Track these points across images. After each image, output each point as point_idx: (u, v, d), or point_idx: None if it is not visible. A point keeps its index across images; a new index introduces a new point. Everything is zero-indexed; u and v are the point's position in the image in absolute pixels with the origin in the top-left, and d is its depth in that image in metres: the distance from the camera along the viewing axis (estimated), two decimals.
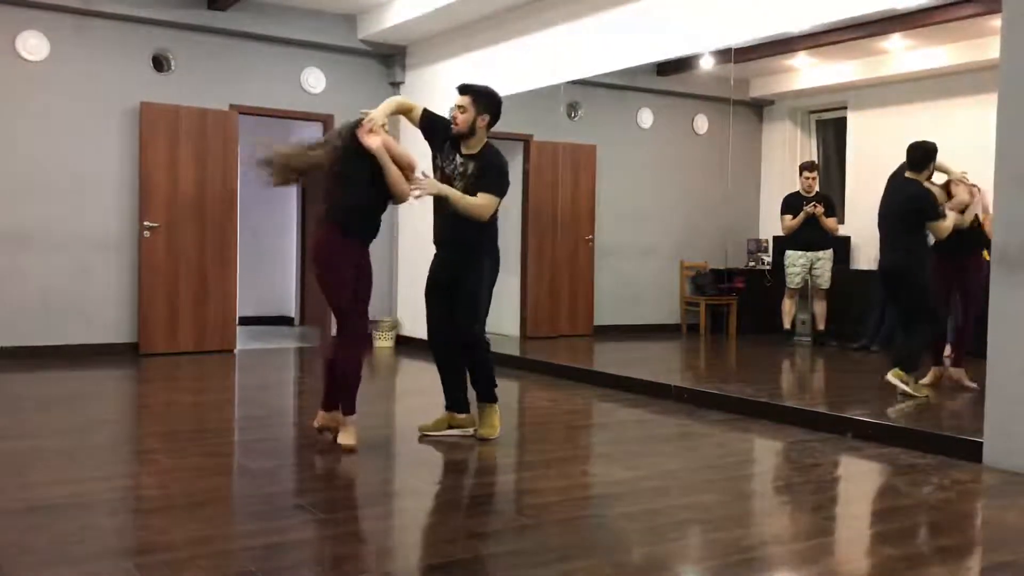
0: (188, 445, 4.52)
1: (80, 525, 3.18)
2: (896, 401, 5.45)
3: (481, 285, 4.56)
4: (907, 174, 5.79)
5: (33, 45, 7.38)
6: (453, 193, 4.43)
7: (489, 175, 4.49)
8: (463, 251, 4.55)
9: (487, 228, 4.55)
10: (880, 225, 5.90)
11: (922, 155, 5.76)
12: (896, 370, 5.59)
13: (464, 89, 4.55)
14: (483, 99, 4.50)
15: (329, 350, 4.76)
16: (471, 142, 4.54)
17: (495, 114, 4.54)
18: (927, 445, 4.51)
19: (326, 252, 4.35)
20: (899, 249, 5.73)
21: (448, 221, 4.53)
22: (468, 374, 4.73)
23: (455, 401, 4.76)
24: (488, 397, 4.69)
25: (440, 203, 4.54)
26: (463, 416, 4.74)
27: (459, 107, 4.50)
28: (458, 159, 4.55)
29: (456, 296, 4.55)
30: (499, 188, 4.50)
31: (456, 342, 4.62)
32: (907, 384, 5.55)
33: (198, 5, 7.80)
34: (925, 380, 5.92)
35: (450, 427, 4.72)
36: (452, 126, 4.52)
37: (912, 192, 5.73)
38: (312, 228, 4.45)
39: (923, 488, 4.05)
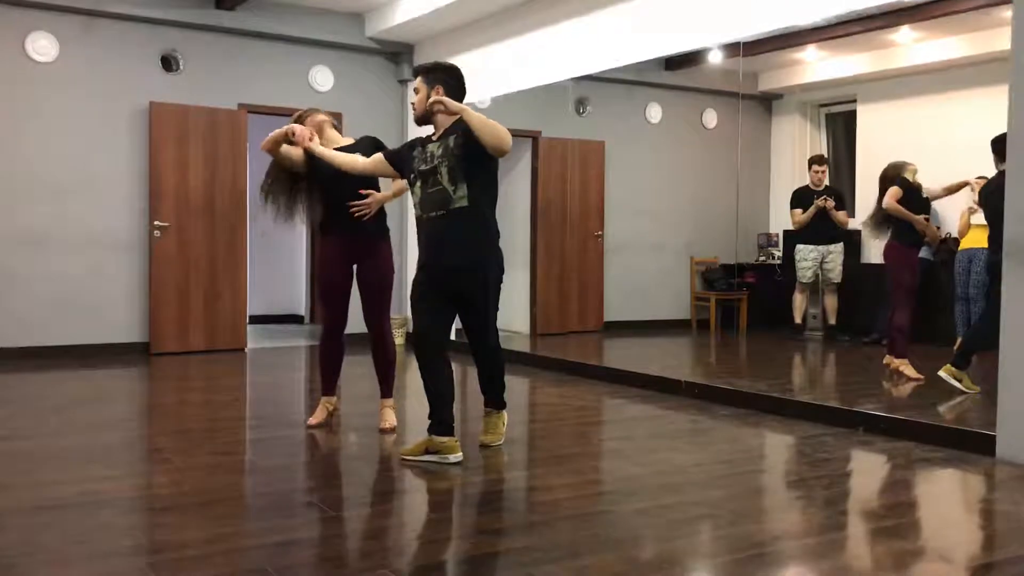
0: (200, 444, 4.55)
1: (93, 524, 3.20)
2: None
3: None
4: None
5: (42, 46, 7.40)
6: (469, 113, 3.85)
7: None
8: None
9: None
10: (993, 220, 5.75)
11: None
12: (952, 368, 5.55)
13: (415, 72, 4.23)
14: (432, 73, 4.13)
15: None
16: (436, 122, 4.11)
17: (448, 82, 4.07)
18: (939, 439, 4.49)
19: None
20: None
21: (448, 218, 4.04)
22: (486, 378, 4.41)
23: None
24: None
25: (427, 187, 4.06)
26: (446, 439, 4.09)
27: (415, 91, 4.15)
28: (430, 147, 4.08)
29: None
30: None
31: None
32: (960, 380, 5.53)
33: (206, 4, 7.81)
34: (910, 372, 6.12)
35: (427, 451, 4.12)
36: (415, 117, 4.18)
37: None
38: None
39: (936, 482, 4.04)
